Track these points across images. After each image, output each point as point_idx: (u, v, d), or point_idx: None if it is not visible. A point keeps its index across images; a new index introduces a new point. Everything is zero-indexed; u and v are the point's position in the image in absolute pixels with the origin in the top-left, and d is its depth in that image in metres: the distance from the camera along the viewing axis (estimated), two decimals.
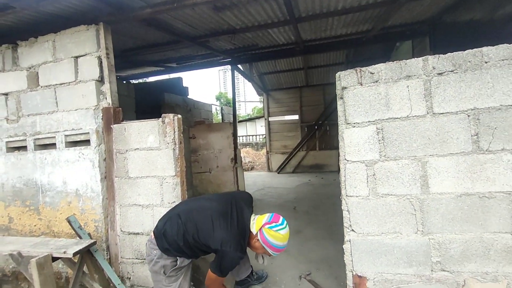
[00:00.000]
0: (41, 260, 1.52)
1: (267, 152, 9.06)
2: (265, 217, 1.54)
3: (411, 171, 1.56)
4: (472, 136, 1.49)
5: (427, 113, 1.52)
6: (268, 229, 1.48)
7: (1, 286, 2.28)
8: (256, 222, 1.54)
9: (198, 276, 2.34)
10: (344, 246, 1.72)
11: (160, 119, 2.01)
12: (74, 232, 2.15)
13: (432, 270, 1.57)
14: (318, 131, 8.40)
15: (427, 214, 1.55)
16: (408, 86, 1.57)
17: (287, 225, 1.54)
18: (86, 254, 1.84)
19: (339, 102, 1.69)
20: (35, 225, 2.37)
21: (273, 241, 1.47)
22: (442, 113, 1.52)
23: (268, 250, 1.51)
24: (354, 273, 1.70)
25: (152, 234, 1.62)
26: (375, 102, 1.59)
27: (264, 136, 14.83)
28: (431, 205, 1.54)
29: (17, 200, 2.41)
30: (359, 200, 1.65)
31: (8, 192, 2.43)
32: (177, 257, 1.56)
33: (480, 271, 1.50)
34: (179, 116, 2.03)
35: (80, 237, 1.93)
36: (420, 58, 1.57)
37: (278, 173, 8.54)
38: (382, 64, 1.62)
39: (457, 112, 1.51)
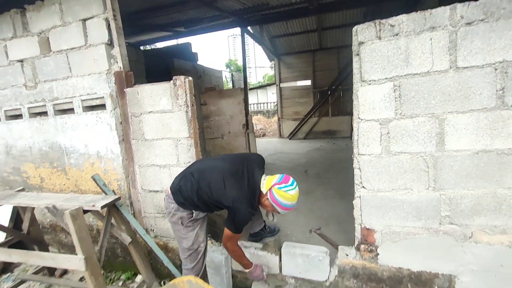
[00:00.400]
0: (73, 211, 1.68)
1: (279, 119, 9.02)
2: (276, 177, 1.59)
3: (427, 128, 1.53)
4: (497, 91, 1.42)
5: (450, 67, 1.43)
6: (277, 189, 1.53)
7: (43, 235, 2.57)
8: (266, 182, 1.59)
9: (215, 229, 2.54)
10: (354, 201, 1.79)
11: (172, 81, 2.01)
12: (99, 190, 2.33)
13: (440, 223, 1.62)
14: (331, 97, 8.18)
15: (441, 171, 1.55)
16: (431, 39, 1.46)
17: (297, 186, 1.58)
18: (113, 208, 2.01)
19: (355, 59, 1.62)
20: (64, 184, 2.57)
21: (282, 200, 1.53)
22: (466, 67, 1.44)
23: (277, 208, 1.58)
24: (363, 226, 1.78)
25: (169, 189, 1.73)
26: (394, 57, 1.51)
27: (275, 103, 14.61)
28: (445, 162, 1.53)
29: (45, 162, 2.59)
30: (371, 158, 1.67)
31: (36, 155, 2.60)
32: (193, 210, 1.67)
33: (489, 224, 1.54)
34: (190, 78, 2.02)
35: (106, 194, 2.09)
36: (447, 7, 1.44)
37: (289, 139, 8.58)
38: (404, 15, 1.50)
39: (483, 65, 1.42)
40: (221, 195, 1.58)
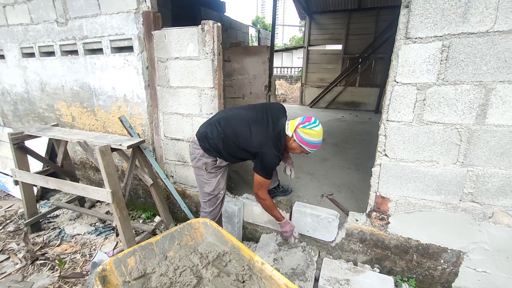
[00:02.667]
0: (102, 148, 1.79)
1: (302, 85, 8.68)
2: (298, 119, 1.62)
3: (470, 98, 1.40)
4: None
5: None
6: (302, 128, 1.56)
7: (75, 170, 2.81)
8: (290, 125, 1.62)
9: (231, 183, 2.65)
10: (373, 169, 1.76)
11: (200, 26, 1.93)
12: (125, 133, 2.44)
13: (460, 200, 1.58)
14: (361, 65, 7.64)
15: (474, 146, 1.46)
16: None
17: (320, 123, 1.61)
18: (137, 150, 2.12)
19: (402, 12, 1.44)
20: (93, 125, 2.72)
21: (309, 138, 1.55)
22: None
23: (305, 148, 1.60)
24: (378, 194, 1.78)
25: (195, 136, 1.79)
26: (450, 11, 1.32)
27: (299, 69, 13.95)
28: (481, 137, 1.43)
29: (76, 101, 2.71)
30: (400, 125, 1.58)
31: (67, 94, 2.72)
32: (217, 158, 1.74)
33: None
34: (219, 24, 1.92)
35: (131, 136, 2.19)
36: None
37: (310, 107, 8.35)
38: None
39: None
40: (248, 142, 1.62)
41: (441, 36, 1.37)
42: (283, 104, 1.94)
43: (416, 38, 1.42)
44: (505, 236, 1.55)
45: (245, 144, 1.63)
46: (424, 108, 1.50)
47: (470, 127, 1.44)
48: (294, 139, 1.60)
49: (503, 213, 1.52)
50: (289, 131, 1.62)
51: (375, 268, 1.94)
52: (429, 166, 1.59)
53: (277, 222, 1.88)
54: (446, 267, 1.75)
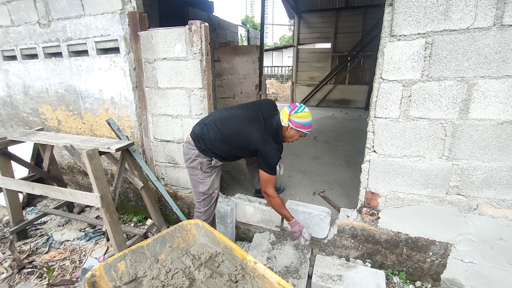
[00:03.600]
0: (90, 151, 1.75)
1: (293, 83, 8.73)
2: (286, 109, 1.70)
3: (454, 93, 1.44)
4: None
5: (494, 24, 1.29)
6: (294, 114, 1.64)
7: (62, 175, 2.74)
8: (283, 116, 1.69)
9: (222, 183, 2.64)
10: (362, 165, 1.78)
11: (187, 26, 1.91)
12: (113, 136, 2.40)
13: (447, 193, 1.62)
14: (350, 63, 7.73)
15: (458, 140, 1.50)
16: None
17: (305, 106, 1.71)
18: (126, 153, 2.08)
19: (386, 10, 1.47)
20: (80, 128, 2.65)
21: (303, 120, 1.64)
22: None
23: (302, 130, 1.68)
24: (368, 190, 1.80)
25: (189, 137, 1.78)
26: (432, 8, 1.35)
27: (290, 68, 14.03)
28: (465, 131, 1.47)
29: (61, 105, 2.64)
30: (387, 122, 1.61)
31: (52, 97, 2.65)
32: (212, 157, 1.75)
33: (497, 198, 1.53)
34: (206, 24, 1.91)
35: (120, 138, 2.15)
36: None
37: None
38: None
39: None
40: (248, 140, 1.66)
41: (424, 34, 1.40)
42: (271, 100, 2.01)
43: (400, 36, 1.44)
44: (490, 226, 1.60)
45: (246, 143, 1.67)
46: (410, 104, 1.53)
47: (454, 122, 1.48)
48: (291, 127, 1.67)
49: (487, 204, 1.57)
50: (284, 122, 1.69)
51: (366, 263, 1.97)
52: (416, 161, 1.63)
53: (287, 222, 1.84)
54: (434, 259, 1.79)
